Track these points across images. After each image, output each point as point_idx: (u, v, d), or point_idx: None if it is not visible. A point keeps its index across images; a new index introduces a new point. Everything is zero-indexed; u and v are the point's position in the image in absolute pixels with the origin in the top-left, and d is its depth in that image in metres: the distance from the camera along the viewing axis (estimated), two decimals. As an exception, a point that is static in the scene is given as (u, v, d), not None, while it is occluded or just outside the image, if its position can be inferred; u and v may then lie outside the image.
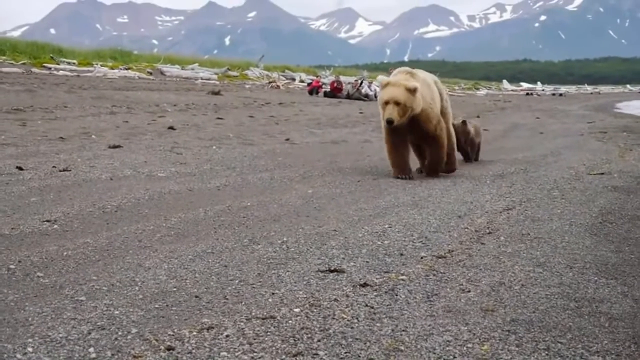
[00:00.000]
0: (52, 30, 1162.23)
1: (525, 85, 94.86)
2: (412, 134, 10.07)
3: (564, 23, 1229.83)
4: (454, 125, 11.96)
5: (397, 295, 4.39)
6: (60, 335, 3.54)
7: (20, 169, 8.66)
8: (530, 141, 17.08)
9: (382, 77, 10.08)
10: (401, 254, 5.41)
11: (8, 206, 6.61)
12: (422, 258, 5.32)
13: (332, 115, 21.85)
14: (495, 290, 4.56)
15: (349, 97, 36.26)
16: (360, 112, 25.11)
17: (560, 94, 77.27)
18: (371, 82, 39.06)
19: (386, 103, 9.51)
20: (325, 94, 37.36)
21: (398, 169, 10.00)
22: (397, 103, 9.43)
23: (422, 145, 10.51)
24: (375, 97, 37.26)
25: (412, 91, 9.45)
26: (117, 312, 3.91)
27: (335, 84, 38.89)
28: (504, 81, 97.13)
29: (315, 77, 47.54)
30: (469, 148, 12.71)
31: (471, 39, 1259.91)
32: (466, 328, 3.87)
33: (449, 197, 8.21)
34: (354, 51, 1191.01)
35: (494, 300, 4.35)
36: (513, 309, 4.20)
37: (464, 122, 12.54)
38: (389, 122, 9.41)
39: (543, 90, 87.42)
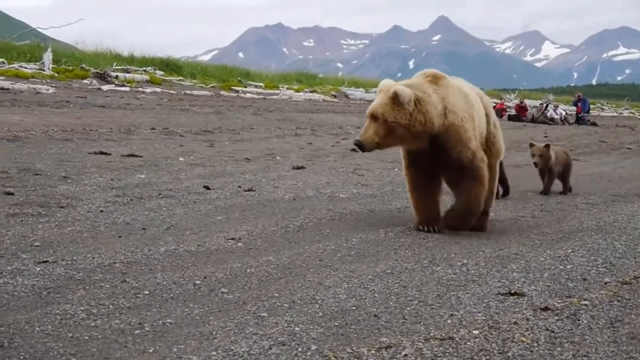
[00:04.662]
0: (241, 54, 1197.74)
1: None
2: (439, 164, 6.99)
3: None
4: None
5: (579, 320, 4.28)
6: (243, 349, 3.63)
7: (208, 188, 8.94)
8: None
9: (384, 82, 7.02)
10: (584, 279, 5.29)
11: (195, 224, 6.83)
12: (606, 284, 5.18)
13: (516, 139, 21.42)
14: (685, 319, 4.38)
15: (533, 120, 35.99)
16: (545, 136, 24.57)
17: None
18: (557, 106, 38.48)
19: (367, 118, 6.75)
20: (510, 117, 36.83)
21: (422, 216, 7.10)
22: (373, 117, 6.61)
23: (457, 184, 7.22)
24: (561, 120, 36.60)
25: (396, 99, 6.49)
26: (297, 328, 3.97)
27: (520, 105, 38.76)
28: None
29: (499, 100, 47.03)
30: (547, 176, 10.65)
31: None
32: (652, 357, 3.73)
33: (636, 223, 7.95)
34: (539, 74, 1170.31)
35: (683, 330, 4.17)
36: None
37: (546, 146, 10.59)
38: (358, 146, 6.72)
39: None
